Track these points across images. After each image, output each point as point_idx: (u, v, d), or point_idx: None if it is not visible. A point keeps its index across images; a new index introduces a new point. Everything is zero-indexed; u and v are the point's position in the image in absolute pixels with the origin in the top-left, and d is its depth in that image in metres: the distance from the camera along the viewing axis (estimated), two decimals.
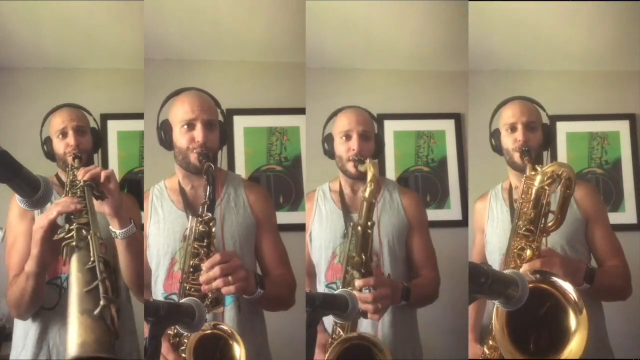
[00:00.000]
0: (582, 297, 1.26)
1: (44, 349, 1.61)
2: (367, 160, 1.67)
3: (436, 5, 2.25)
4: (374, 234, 1.66)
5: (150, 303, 1.16)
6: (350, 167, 1.75)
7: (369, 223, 1.61)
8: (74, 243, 1.06)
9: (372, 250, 1.63)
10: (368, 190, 1.61)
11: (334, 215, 1.80)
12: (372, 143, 1.79)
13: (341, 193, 1.82)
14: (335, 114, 1.83)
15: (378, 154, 1.84)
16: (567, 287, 1.27)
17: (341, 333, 1.58)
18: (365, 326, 1.69)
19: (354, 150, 1.74)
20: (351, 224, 1.66)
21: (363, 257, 1.59)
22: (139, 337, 1.73)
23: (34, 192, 1.10)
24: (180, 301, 1.29)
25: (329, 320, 1.64)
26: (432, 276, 1.79)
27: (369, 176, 1.62)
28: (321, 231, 1.80)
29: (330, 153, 1.83)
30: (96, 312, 0.82)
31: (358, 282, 1.55)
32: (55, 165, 1.76)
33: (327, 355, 1.50)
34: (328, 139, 1.83)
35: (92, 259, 0.97)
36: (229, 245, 1.63)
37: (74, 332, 0.79)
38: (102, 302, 0.84)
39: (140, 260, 1.56)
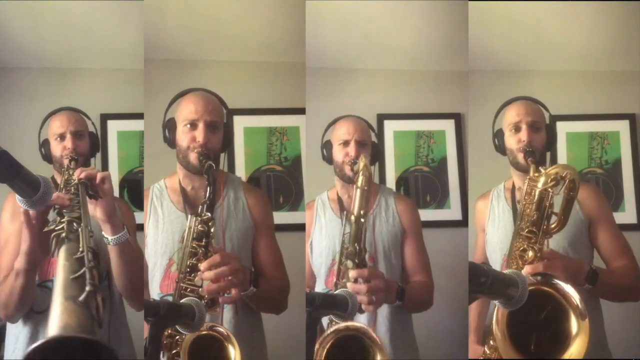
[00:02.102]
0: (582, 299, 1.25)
1: None
2: (360, 156, 1.68)
3: (436, 5, 2.25)
4: (369, 239, 1.64)
5: (150, 303, 1.16)
6: (347, 170, 1.76)
7: (362, 212, 1.61)
8: (63, 234, 1.04)
9: (365, 240, 1.62)
10: (361, 177, 1.62)
11: (334, 223, 1.81)
12: (368, 149, 1.80)
13: (339, 200, 1.82)
14: (334, 122, 1.85)
15: (375, 160, 1.85)
16: (571, 291, 1.26)
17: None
18: None
19: (351, 156, 1.75)
20: (345, 213, 1.65)
21: (356, 246, 1.59)
22: (135, 343, 1.72)
23: (34, 192, 1.09)
24: (181, 301, 1.29)
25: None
26: (424, 281, 1.77)
27: (361, 166, 1.63)
28: (321, 239, 1.81)
29: (329, 159, 1.85)
30: (81, 297, 0.80)
31: (352, 273, 1.53)
32: (52, 167, 1.75)
33: (316, 348, 1.39)
34: (327, 146, 1.86)
35: (80, 249, 0.95)
36: (227, 247, 1.63)
37: (57, 317, 0.76)
38: (87, 288, 0.82)
39: (132, 268, 1.51)
